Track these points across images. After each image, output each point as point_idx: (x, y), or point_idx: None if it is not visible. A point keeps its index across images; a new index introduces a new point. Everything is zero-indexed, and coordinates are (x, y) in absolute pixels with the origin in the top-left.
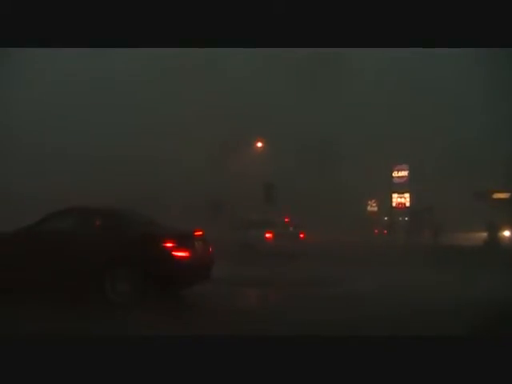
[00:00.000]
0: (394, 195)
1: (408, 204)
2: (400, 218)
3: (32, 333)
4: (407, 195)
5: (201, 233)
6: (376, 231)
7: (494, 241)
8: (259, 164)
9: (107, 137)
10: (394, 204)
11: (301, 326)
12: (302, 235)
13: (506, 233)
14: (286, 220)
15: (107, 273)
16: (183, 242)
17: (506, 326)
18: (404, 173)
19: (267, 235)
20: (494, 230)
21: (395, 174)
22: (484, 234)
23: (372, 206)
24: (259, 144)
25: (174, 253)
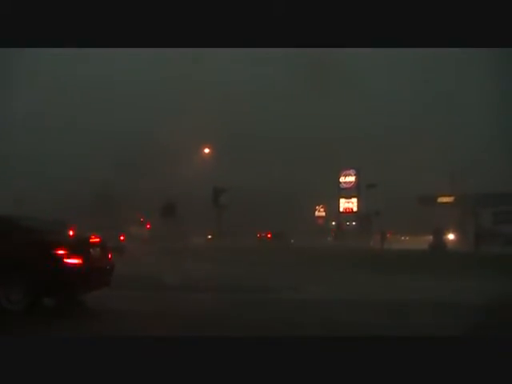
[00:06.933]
0: (342, 200)
1: (355, 209)
2: (347, 223)
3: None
4: (355, 200)
5: (98, 239)
6: None
7: (439, 245)
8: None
9: None
10: (341, 209)
11: None
12: None
13: (451, 236)
14: None
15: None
16: (75, 249)
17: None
18: (351, 178)
19: None
20: (440, 234)
21: (342, 179)
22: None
23: (320, 211)
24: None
25: (65, 260)
